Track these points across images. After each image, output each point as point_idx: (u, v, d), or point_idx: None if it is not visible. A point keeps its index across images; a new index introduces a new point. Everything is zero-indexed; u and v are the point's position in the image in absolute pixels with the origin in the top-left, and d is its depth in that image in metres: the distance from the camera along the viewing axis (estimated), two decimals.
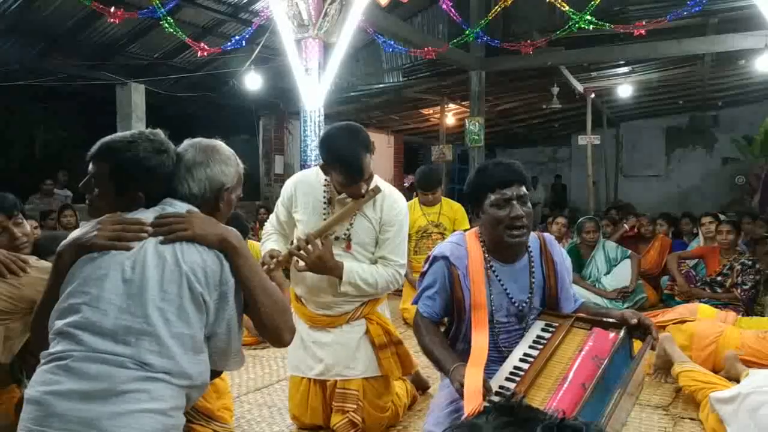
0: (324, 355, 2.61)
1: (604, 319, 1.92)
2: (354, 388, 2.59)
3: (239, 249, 1.53)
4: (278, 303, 1.59)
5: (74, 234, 1.52)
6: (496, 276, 2.01)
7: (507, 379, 1.78)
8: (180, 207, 1.57)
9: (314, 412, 2.68)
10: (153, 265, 1.45)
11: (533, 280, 2.03)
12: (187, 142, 1.67)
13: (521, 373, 1.77)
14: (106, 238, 1.46)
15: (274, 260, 2.36)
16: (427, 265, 2.12)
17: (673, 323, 3.63)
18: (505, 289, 2.01)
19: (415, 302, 2.14)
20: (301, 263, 2.38)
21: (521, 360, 1.84)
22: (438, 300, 2.06)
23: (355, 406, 2.58)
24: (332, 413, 2.63)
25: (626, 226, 6.17)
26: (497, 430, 0.65)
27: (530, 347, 1.89)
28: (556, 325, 1.95)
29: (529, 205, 1.98)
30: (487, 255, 2.03)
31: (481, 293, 1.96)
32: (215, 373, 1.62)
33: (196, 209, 1.58)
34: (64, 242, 1.52)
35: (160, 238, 1.48)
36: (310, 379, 2.67)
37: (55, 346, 1.41)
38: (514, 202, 1.93)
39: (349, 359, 2.60)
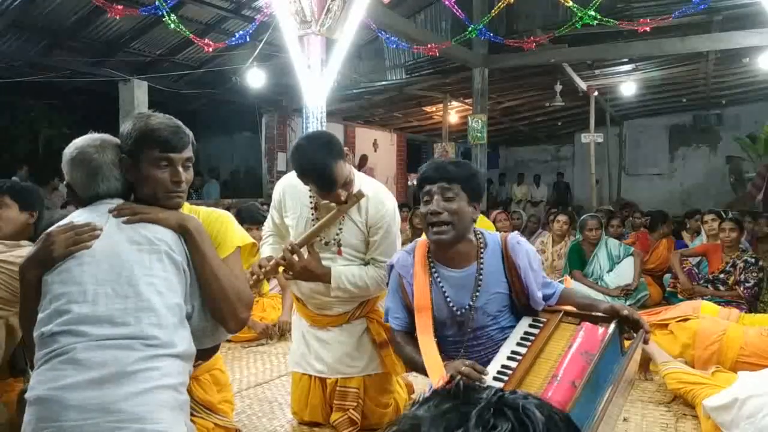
0: (325, 354, 2.61)
1: (593, 314, 1.87)
2: (354, 386, 2.59)
3: (195, 234, 1.59)
4: (226, 291, 1.59)
5: (30, 253, 1.57)
6: (438, 280, 1.97)
7: (495, 378, 1.73)
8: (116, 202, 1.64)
9: (314, 409, 2.69)
10: (128, 249, 1.50)
11: (479, 288, 1.95)
12: (82, 147, 1.64)
13: (509, 372, 1.72)
14: (64, 247, 1.50)
15: (262, 270, 2.35)
16: (387, 273, 2.16)
17: (676, 321, 3.61)
18: (445, 294, 1.95)
19: (387, 320, 2.10)
20: (289, 272, 2.37)
21: (509, 358, 1.79)
22: (400, 309, 2.04)
23: (355, 404, 2.58)
24: (333, 410, 2.63)
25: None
26: (437, 419, 0.63)
27: (518, 344, 1.83)
28: (544, 320, 1.90)
29: (461, 203, 1.89)
30: (431, 260, 1.99)
31: (423, 296, 1.93)
32: (213, 349, 1.68)
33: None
34: (24, 262, 1.56)
35: (121, 225, 1.55)
36: (311, 376, 2.67)
37: (51, 345, 1.41)
38: (436, 197, 1.88)
39: (349, 357, 2.60)
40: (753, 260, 4.62)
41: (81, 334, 1.39)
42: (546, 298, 2.03)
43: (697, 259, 5.18)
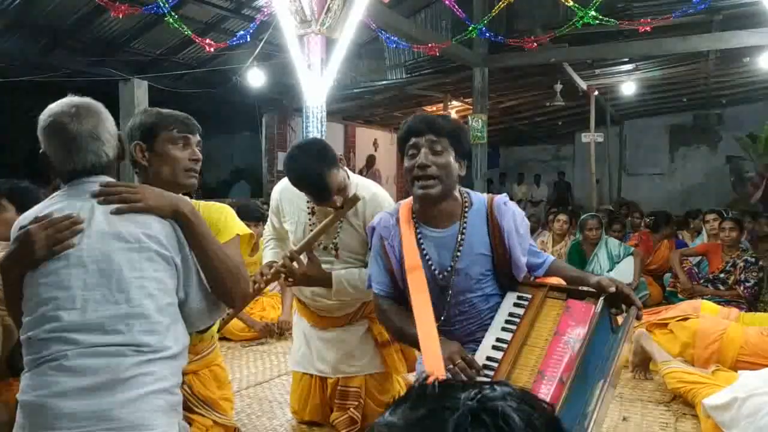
0: (327, 353, 2.61)
1: (580, 288, 1.77)
2: (356, 385, 2.60)
3: (191, 218, 1.53)
4: (231, 270, 1.59)
5: (9, 250, 1.47)
6: (420, 241, 1.87)
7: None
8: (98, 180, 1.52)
9: (314, 408, 2.70)
10: (117, 248, 1.42)
11: (460, 248, 1.84)
12: (55, 114, 1.52)
13: (495, 365, 1.64)
14: (45, 247, 1.40)
15: (264, 278, 2.34)
16: (368, 236, 2.06)
17: (676, 320, 3.61)
18: (426, 255, 1.86)
19: (369, 286, 2.01)
20: (290, 279, 2.37)
21: (494, 347, 1.70)
22: (383, 274, 1.94)
23: (356, 403, 2.59)
24: (333, 410, 2.64)
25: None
26: (410, 428, 0.59)
27: (503, 329, 1.73)
28: (529, 296, 1.79)
29: (449, 158, 1.79)
30: (415, 219, 1.89)
31: (412, 256, 1.82)
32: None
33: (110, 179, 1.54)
34: (3, 260, 1.48)
35: (109, 216, 1.44)
36: (312, 375, 2.68)
37: (41, 350, 1.38)
38: (424, 149, 1.78)
39: (351, 357, 2.60)
40: (753, 260, 4.62)
41: (71, 342, 1.36)
42: (533, 267, 1.95)
43: (698, 258, 5.18)
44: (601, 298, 1.67)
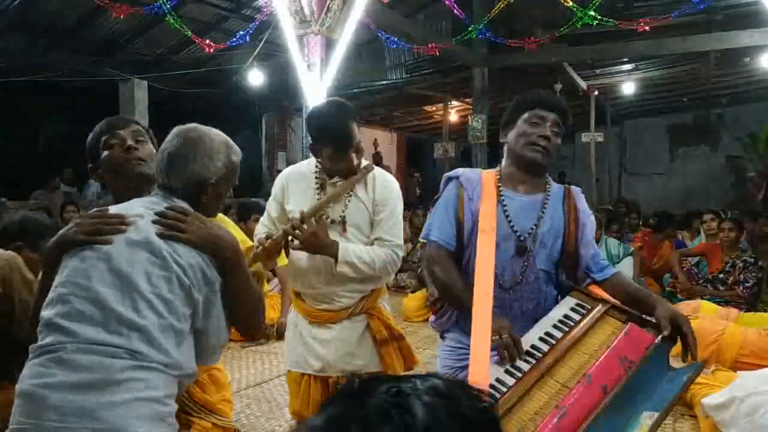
0: (325, 352, 2.61)
1: (644, 316, 1.72)
2: None
3: (233, 261, 1.56)
4: (255, 305, 1.65)
5: (60, 231, 1.56)
6: (503, 204, 1.93)
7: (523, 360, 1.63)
8: (170, 199, 1.59)
9: (316, 405, 2.69)
10: (142, 258, 1.46)
11: (543, 212, 1.93)
12: (174, 131, 1.64)
13: (539, 354, 1.62)
14: (85, 233, 1.49)
15: (269, 240, 2.35)
16: (441, 186, 2.10)
17: None
18: (508, 218, 1.91)
19: (426, 235, 2.03)
20: (296, 242, 2.38)
21: (541, 339, 1.67)
22: (450, 223, 1.97)
23: None
24: None
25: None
26: (328, 427, 0.61)
27: (554, 326, 1.71)
28: (589, 307, 1.77)
29: (558, 142, 1.96)
30: (500, 184, 1.97)
31: (489, 218, 1.87)
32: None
33: (183, 202, 1.59)
34: (50, 241, 1.55)
35: (152, 232, 1.50)
36: (310, 375, 2.68)
37: (45, 338, 1.41)
38: (548, 124, 1.92)
39: (350, 355, 2.60)
40: (752, 260, 4.62)
41: (72, 334, 1.38)
42: (594, 267, 1.97)
43: (697, 258, 5.18)
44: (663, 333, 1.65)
